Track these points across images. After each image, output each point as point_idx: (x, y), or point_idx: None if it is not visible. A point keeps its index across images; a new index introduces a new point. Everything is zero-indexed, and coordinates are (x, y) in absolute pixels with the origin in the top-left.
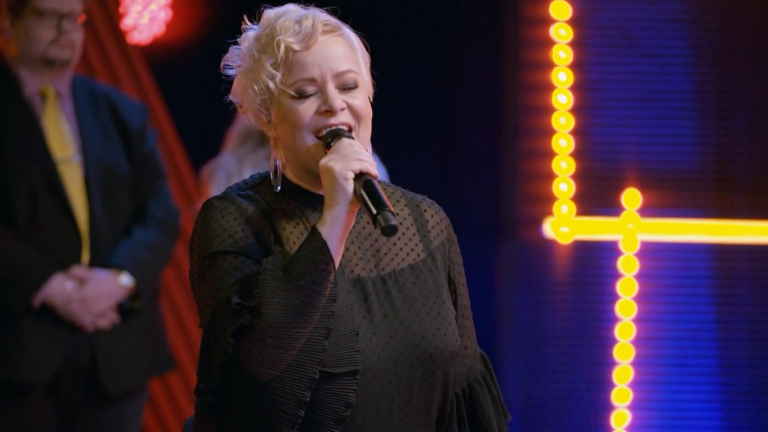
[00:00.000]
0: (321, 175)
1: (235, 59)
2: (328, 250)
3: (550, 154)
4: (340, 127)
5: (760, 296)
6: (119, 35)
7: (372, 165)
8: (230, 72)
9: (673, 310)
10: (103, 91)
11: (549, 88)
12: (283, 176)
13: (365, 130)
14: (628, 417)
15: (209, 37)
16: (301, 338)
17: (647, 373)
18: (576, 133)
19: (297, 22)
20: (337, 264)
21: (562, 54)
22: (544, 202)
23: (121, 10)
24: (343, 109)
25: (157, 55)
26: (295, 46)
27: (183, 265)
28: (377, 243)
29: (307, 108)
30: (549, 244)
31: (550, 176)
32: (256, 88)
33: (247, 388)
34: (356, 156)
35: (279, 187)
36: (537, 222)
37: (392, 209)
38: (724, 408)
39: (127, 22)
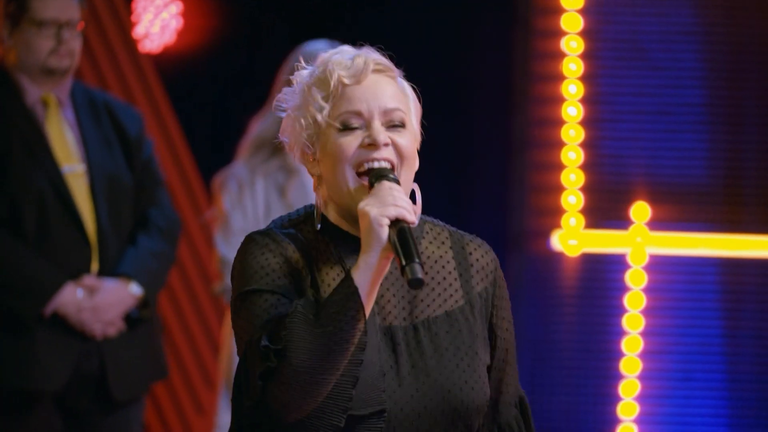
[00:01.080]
0: (359, 218)
1: (287, 99)
2: (358, 296)
3: (560, 167)
4: (384, 165)
5: None
6: (130, 43)
7: (409, 211)
8: (281, 114)
9: (680, 324)
10: (102, 98)
11: (559, 100)
12: (324, 216)
13: (408, 171)
14: (634, 431)
15: (220, 46)
16: (327, 384)
17: (654, 386)
18: (585, 145)
19: (350, 59)
20: (368, 310)
21: (572, 66)
22: (553, 215)
23: (133, 18)
24: (386, 145)
25: (167, 63)
26: (346, 80)
27: (188, 268)
28: (415, 290)
29: (351, 141)
30: (557, 257)
31: (559, 189)
32: (303, 122)
33: (275, 428)
34: (393, 201)
35: (319, 225)
36: (545, 234)
37: (422, 261)
38: (731, 423)
39: (138, 31)
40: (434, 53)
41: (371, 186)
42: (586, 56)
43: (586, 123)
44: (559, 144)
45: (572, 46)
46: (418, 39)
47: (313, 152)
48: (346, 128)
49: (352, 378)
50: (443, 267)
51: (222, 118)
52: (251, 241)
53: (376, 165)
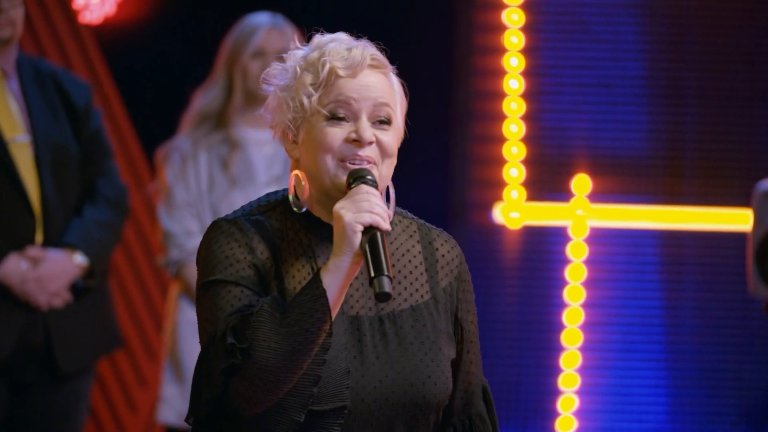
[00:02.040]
0: (333, 220)
1: (277, 75)
2: (326, 299)
3: (501, 140)
4: (365, 167)
5: (708, 282)
6: (70, 15)
7: (384, 219)
8: (269, 88)
9: (621, 295)
10: (49, 69)
11: (500, 73)
12: (298, 200)
13: (388, 168)
14: (575, 401)
15: (161, 18)
16: (290, 382)
17: (595, 358)
18: (527, 118)
19: (347, 50)
20: (335, 312)
21: (514, 39)
22: (494, 187)
23: None
24: (371, 143)
25: (107, 35)
26: (341, 72)
27: (131, 244)
28: (381, 302)
29: (337, 133)
30: (498, 229)
31: (501, 161)
32: (290, 103)
33: (234, 420)
34: (369, 208)
35: (304, 208)
36: (487, 207)
37: (391, 274)
38: (671, 393)
39: (78, 2)
40: (375, 25)
41: (349, 187)
42: (527, 29)
43: (527, 96)
44: (501, 117)
45: (513, 18)
46: (359, 10)
47: (294, 134)
48: (334, 118)
49: (314, 377)
50: (410, 261)
51: (164, 90)
52: (217, 228)
53: (357, 164)
